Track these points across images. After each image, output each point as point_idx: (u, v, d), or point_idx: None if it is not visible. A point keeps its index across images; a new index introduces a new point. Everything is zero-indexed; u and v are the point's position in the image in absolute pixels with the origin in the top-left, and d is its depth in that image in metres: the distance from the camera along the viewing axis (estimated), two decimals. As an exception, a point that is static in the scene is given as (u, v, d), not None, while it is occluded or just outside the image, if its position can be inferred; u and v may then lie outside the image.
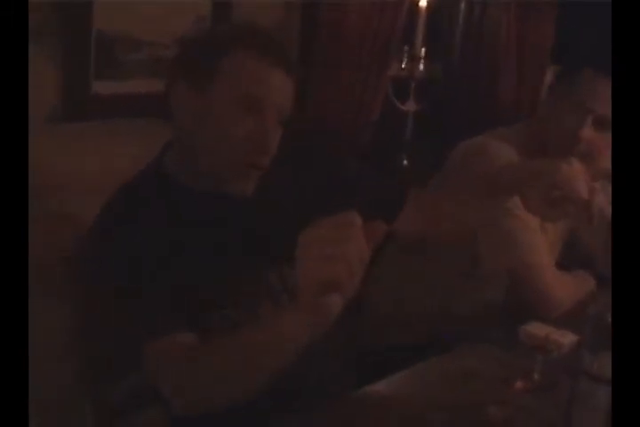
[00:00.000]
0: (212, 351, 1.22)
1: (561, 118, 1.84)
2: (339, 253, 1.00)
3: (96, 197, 1.42)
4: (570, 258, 2.13)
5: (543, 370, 1.45)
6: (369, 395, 1.43)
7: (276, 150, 1.37)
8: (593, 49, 1.97)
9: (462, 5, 3.27)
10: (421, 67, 2.87)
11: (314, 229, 1.03)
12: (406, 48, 2.86)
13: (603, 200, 2.00)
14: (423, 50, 2.87)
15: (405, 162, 2.93)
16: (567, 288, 1.87)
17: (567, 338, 1.61)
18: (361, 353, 1.71)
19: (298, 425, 1.33)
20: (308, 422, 1.33)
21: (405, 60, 2.87)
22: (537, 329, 1.65)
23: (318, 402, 1.36)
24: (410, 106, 2.89)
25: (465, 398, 1.41)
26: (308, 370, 1.41)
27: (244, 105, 1.32)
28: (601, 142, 1.81)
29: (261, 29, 1.41)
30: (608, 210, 1.99)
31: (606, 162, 1.91)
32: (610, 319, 1.18)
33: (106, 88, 2.06)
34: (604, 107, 1.77)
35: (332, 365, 1.52)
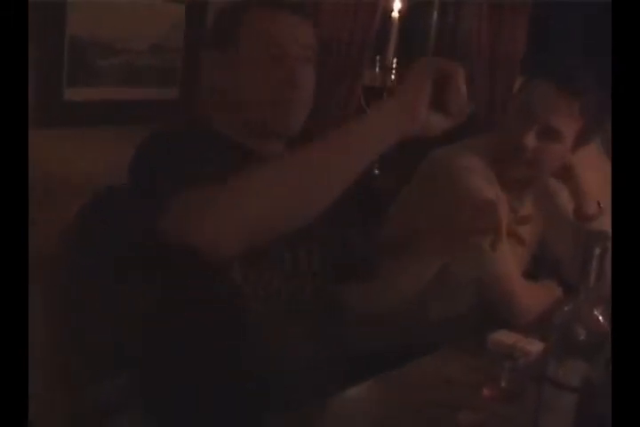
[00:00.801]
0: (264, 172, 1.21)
1: (511, 127, 1.87)
2: None
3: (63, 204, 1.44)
4: (537, 267, 2.16)
5: (510, 378, 1.47)
6: (344, 399, 1.45)
7: (310, 85, 1.50)
8: (550, 59, 2.01)
9: (435, 16, 3.31)
10: (393, 77, 2.90)
11: None
12: (378, 58, 2.88)
13: (570, 213, 2.04)
14: (395, 60, 2.89)
15: (377, 171, 2.95)
16: (534, 298, 1.89)
17: (534, 346, 1.63)
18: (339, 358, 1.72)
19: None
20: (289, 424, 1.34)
21: (377, 69, 2.89)
22: (505, 337, 1.68)
23: (301, 403, 1.37)
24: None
25: (437, 403, 1.43)
26: (292, 373, 1.46)
27: (268, 55, 1.45)
28: (546, 153, 1.85)
29: None
30: (573, 221, 2.04)
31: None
32: (576, 328, 1.21)
33: (78, 94, 2.06)
34: (552, 117, 1.81)
35: (315, 368, 1.54)
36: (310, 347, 1.52)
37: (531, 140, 1.82)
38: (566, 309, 1.24)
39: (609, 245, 1.23)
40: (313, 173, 1.21)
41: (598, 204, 2.02)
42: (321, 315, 1.57)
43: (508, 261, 1.90)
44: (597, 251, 1.21)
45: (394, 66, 2.90)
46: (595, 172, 2.21)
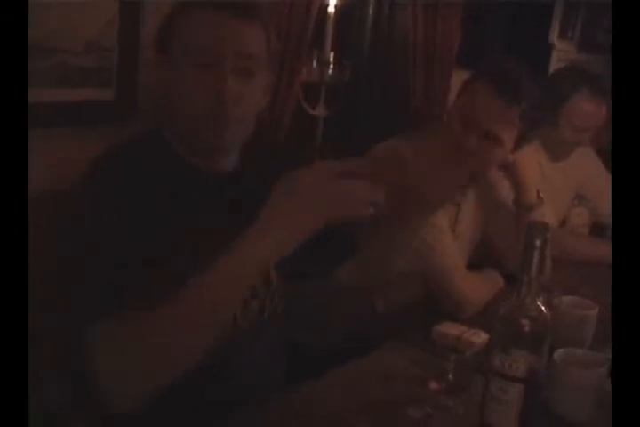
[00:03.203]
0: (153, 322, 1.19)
1: (454, 129, 1.89)
2: None
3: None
4: (481, 257, 2.18)
5: (457, 370, 1.49)
6: (294, 396, 1.44)
7: (249, 100, 1.39)
8: (488, 57, 2.02)
9: (370, 10, 3.32)
10: (330, 71, 2.90)
11: None
12: (315, 52, 2.88)
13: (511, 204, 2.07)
14: (332, 54, 2.89)
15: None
16: (478, 289, 1.92)
17: (479, 337, 1.65)
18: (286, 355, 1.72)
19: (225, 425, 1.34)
20: (237, 423, 1.34)
21: (315, 64, 2.89)
22: (450, 329, 1.69)
23: (247, 402, 1.37)
24: (320, 110, 2.91)
25: (386, 398, 1.44)
26: (239, 372, 1.45)
27: (197, 64, 1.34)
28: (487, 155, 1.87)
29: None
30: (514, 212, 2.07)
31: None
32: (520, 319, 1.23)
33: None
34: (493, 124, 1.83)
35: (261, 366, 1.54)
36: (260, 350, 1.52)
37: (472, 143, 1.84)
38: (510, 300, 1.27)
39: (549, 236, 1.25)
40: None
41: (538, 193, 2.05)
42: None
43: (451, 253, 1.93)
44: (538, 242, 1.23)
45: (331, 60, 2.90)
46: (533, 164, 2.26)
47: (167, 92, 1.39)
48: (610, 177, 2.69)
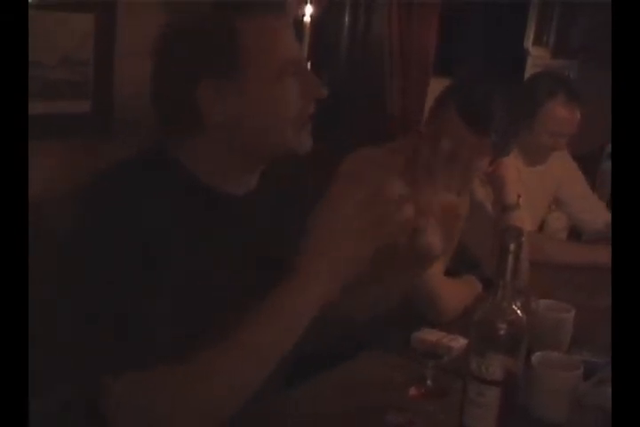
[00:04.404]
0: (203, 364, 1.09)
1: (426, 155, 1.88)
2: None
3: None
4: (458, 263, 2.19)
5: (435, 376, 1.49)
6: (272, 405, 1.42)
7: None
8: (461, 88, 1.97)
9: (346, 19, 3.34)
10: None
11: None
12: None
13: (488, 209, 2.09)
14: (309, 63, 2.91)
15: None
16: (456, 295, 1.92)
17: (457, 342, 1.66)
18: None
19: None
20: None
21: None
22: (428, 335, 1.70)
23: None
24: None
25: (367, 405, 1.44)
26: None
27: (280, 70, 1.26)
28: (464, 180, 1.88)
29: None
30: (490, 217, 2.08)
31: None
32: (496, 323, 1.24)
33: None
34: (464, 154, 1.82)
35: None
36: None
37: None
38: (486, 304, 1.28)
39: (523, 240, 1.26)
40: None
41: (518, 196, 2.07)
42: None
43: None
44: (512, 247, 1.24)
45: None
46: (513, 165, 2.27)
47: (240, 113, 1.26)
48: (585, 180, 2.76)
